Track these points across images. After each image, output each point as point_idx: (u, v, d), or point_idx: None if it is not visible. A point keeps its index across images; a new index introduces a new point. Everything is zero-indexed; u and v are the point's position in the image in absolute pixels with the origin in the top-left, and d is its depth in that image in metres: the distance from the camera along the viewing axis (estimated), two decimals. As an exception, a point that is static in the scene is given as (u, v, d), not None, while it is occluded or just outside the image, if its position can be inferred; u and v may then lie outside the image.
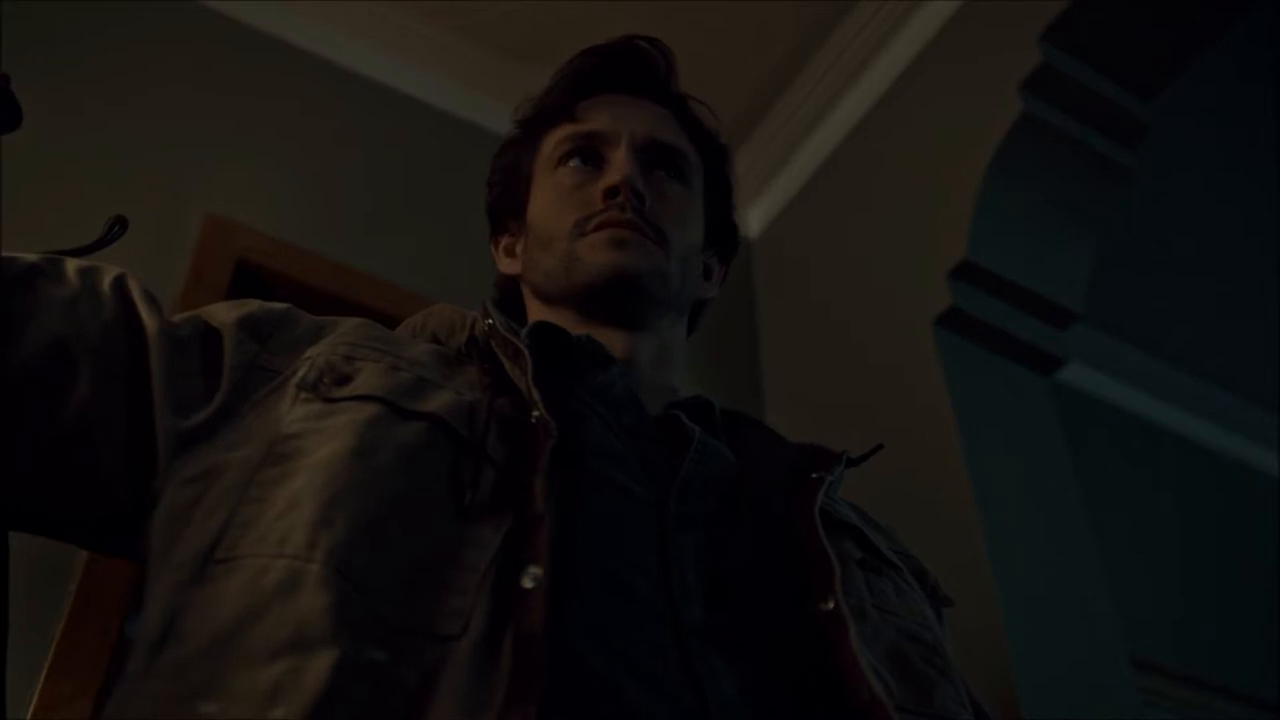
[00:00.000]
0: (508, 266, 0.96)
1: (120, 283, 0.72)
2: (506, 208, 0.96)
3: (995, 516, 1.59)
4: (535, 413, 0.67)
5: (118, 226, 0.79)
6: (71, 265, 0.72)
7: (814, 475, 0.76)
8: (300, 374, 0.68)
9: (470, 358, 0.77)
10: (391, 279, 1.84)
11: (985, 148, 1.83)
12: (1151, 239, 2.61)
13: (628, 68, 0.96)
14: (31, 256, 0.70)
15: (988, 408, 1.76)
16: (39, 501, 0.66)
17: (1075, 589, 1.62)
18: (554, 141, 0.92)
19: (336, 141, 2.03)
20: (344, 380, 0.68)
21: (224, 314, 0.73)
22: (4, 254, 0.69)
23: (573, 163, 0.89)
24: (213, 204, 1.76)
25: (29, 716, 1.18)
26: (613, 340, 0.84)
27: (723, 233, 0.99)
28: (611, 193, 0.85)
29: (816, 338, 2.16)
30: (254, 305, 0.75)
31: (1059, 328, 1.92)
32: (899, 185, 2.06)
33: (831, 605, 0.65)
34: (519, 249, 0.94)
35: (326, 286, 1.78)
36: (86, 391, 0.65)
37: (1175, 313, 2.87)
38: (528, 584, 0.55)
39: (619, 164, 0.87)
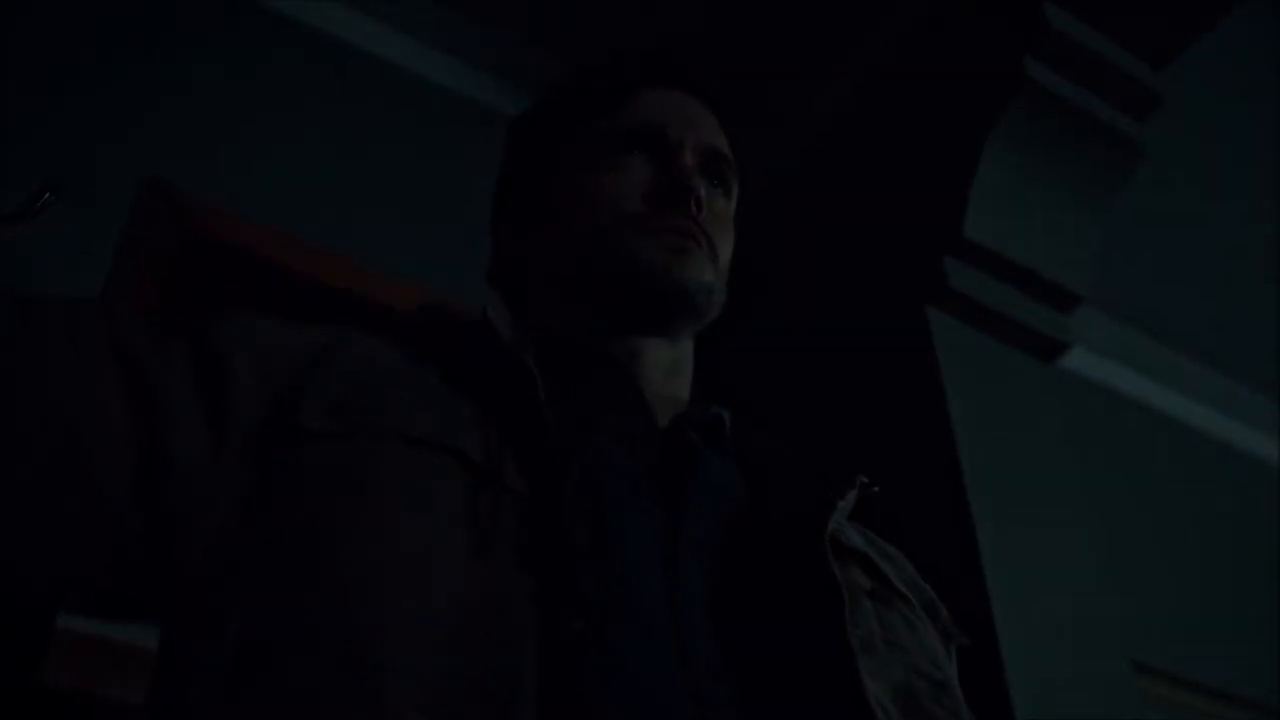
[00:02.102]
0: (514, 245, 0.95)
1: (109, 330, 0.68)
2: (528, 182, 0.96)
3: (991, 511, 1.60)
4: (551, 435, 0.67)
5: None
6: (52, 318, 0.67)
7: (825, 499, 0.76)
8: (302, 407, 0.67)
9: (474, 368, 0.76)
10: (362, 259, 1.82)
11: (985, 117, 1.83)
12: (1161, 218, 2.61)
13: (679, 64, 0.97)
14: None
15: (985, 396, 1.77)
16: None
17: (1074, 588, 1.63)
18: (606, 127, 0.91)
19: (295, 105, 2.00)
20: (348, 411, 0.67)
21: (218, 335, 0.71)
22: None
23: (628, 154, 0.89)
24: (154, 167, 1.73)
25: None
26: (630, 346, 0.85)
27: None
28: (676, 197, 0.85)
29: (801, 320, 2.15)
30: (244, 321, 0.73)
31: (1062, 311, 1.92)
32: (892, 157, 2.05)
33: (840, 638, 0.65)
34: (534, 228, 0.93)
35: (283, 262, 1.76)
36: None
37: (1186, 296, 2.87)
38: (573, 631, 0.58)
39: (684, 170, 0.87)
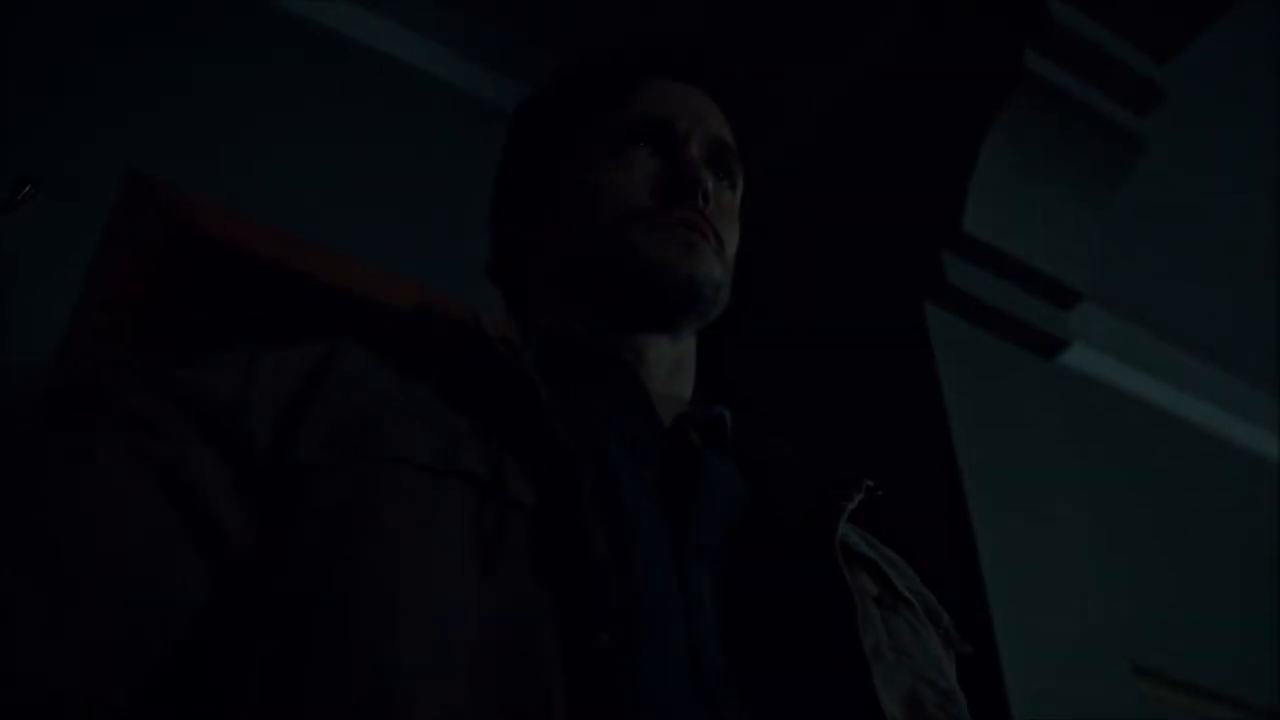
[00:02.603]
0: (515, 240, 0.95)
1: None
2: (530, 175, 0.95)
3: (989, 510, 1.59)
4: (557, 442, 0.66)
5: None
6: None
7: (832, 503, 0.75)
8: (299, 441, 0.65)
9: (469, 377, 0.75)
10: (361, 257, 1.80)
11: (985, 111, 1.82)
12: (1164, 213, 2.60)
13: (683, 55, 0.96)
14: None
15: (983, 393, 1.76)
16: None
17: (1073, 588, 1.62)
18: (611, 119, 0.90)
19: (294, 101, 1.98)
20: (345, 440, 0.66)
21: (212, 384, 0.68)
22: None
23: (633, 147, 0.88)
24: (154, 164, 1.71)
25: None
26: (635, 344, 0.84)
27: None
28: (684, 191, 0.85)
29: (799, 315, 2.15)
30: (234, 363, 0.70)
31: (1062, 307, 1.92)
32: (892, 151, 2.04)
33: (853, 646, 0.65)
34: (536, 222, 0.93)
35: (276, 258, 1.74)
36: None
37: (1189, 292, 2.87)
38: (599, 645, 0.56)
39: (691, 163, 0.87)
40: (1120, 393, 2.86)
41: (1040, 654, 1.49)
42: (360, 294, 1.76)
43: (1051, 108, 1.85)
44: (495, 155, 1.03)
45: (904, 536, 0.90)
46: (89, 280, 1.52)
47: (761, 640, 0.64)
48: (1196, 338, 2.99)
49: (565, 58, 2.20)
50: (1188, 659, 2.34)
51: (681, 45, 0.98)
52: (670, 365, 0.86)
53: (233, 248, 1.71)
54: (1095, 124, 1.89)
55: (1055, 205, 1.90)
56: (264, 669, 0.57)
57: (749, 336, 2.12)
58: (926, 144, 1.93)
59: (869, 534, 0.86)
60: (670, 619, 0.62)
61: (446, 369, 0.75)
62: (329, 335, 0.76)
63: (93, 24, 1.81)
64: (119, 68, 1.81)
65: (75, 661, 0.57)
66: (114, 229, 1.58)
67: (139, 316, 1.62)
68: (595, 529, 0.61)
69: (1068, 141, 1.89)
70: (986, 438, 1.69)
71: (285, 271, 1.72)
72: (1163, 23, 1.87)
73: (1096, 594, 1.64)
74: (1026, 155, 1.86)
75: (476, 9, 2.20)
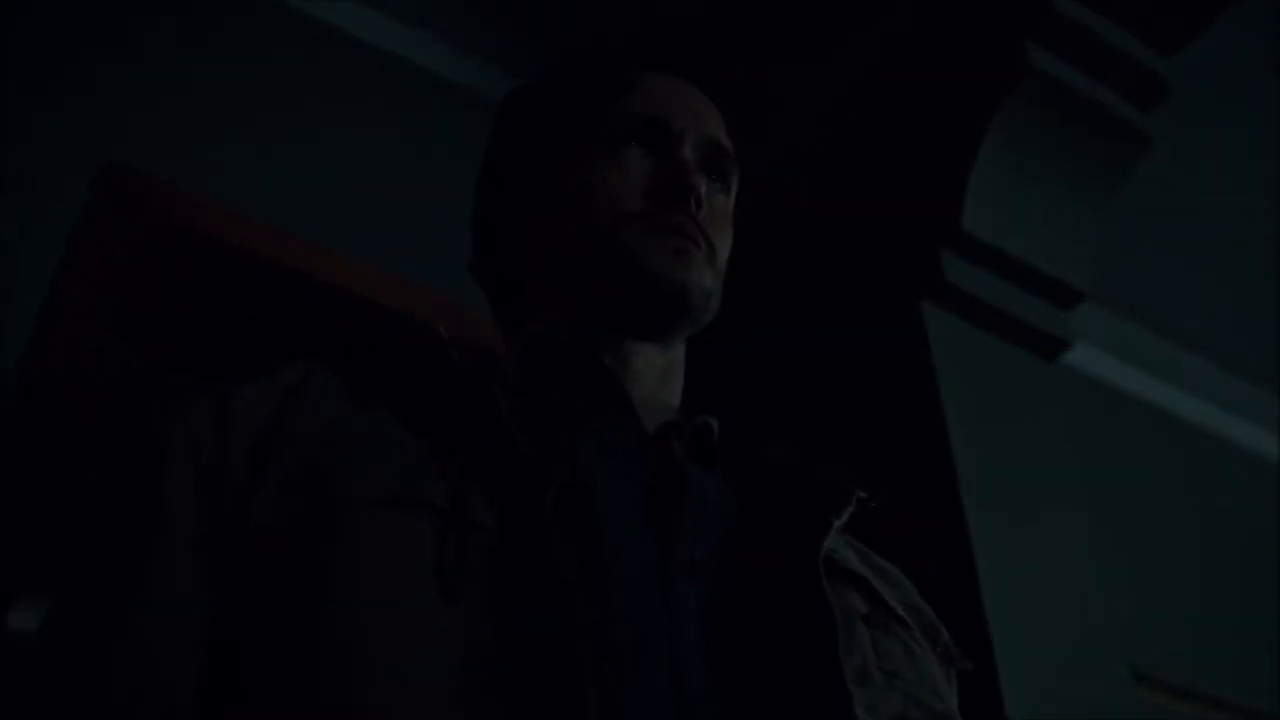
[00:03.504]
0: (507, 236, 0.93)
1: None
2: (524, 170, 0.94)
3: (987, 514, 1.57)
4: (520, 460, 0.65)
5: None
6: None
7: (819, 517, 0.73)
8: (257, 492, 0.65)
9: (433, 393, 0.74)
10: (360, 256, 1.79)
11: (985, 106, 1.79)
12: (1164, 212, 2.59)
13: (681, 52, 0.95)
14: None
15: (982, 394, 1.74)
16: None
17: (1072, 592, 1.60)
18: (611, 116, 0.89)
19: (293, 98, 1.96)
20: (303, 487, 0.65)
21: (201, 438, 0.69)
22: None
23: (627, 146, 0.87)
24: (136, 159, 1.70)
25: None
26: (623, 349, 0.83)
27: None
28: (677, 195, 0.83)
29: (794, 315, 2.13)
30: (207, 419, 0.70)
31: (1063, 307, 1.90)
32: (890, 148, 2.02)
33: (834, 669, 0.62)
34: (530, 219, 0.91)
35: (273, 256, 1.73)
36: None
37: (1189, 292, 2.85)
38: (578, 671, 0.54)
39: (684, 166, 0.85)
40: (1120, 393, 2.84)
41: (1039, 657, 1.47)
42: (360, 294, 1.75)
43: (1052, 104, 1.82)
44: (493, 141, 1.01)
45: (900, 540, 0.88)
46: (58, 273, 1.51)
47: (745, 660, 0.62)
48: (1196, 338, 2.97)
49: (566, 57, 2.19)
50: (1188, 663, 2.32)
51: (680, 43, 0.97)
52: (658, 373, 0.85)
53: (230, 247, 1.70)
54: (1097, 121, 1.86)
55: (1055, 205, 1.88)
56: (252, 680, 0.58)
57: (745, 337, 2.11)
58: (925, 143, 1.91)
59: (862, 543, 0.83)
60: (652, 637, 0.60)
61: (411, 386, 0.74)
62: (301, 360, 0.75)
63: (91, 21, 1.80)
64: (117, 66, 1.79)
65: None
66: (87, 224, 1.56)
67: (136, 316, 1.61)
68: (562, 545, 0.59)
69: (1069, 139, 1.87)
70: (985, 438, 1.67)
71: (283, 271, 1.70)
72: (1165, 19, 1.85)
73: (1096, 596, 1.62)
74: (1026, 154, 1.84)
75: (476, 8, 2.19)
